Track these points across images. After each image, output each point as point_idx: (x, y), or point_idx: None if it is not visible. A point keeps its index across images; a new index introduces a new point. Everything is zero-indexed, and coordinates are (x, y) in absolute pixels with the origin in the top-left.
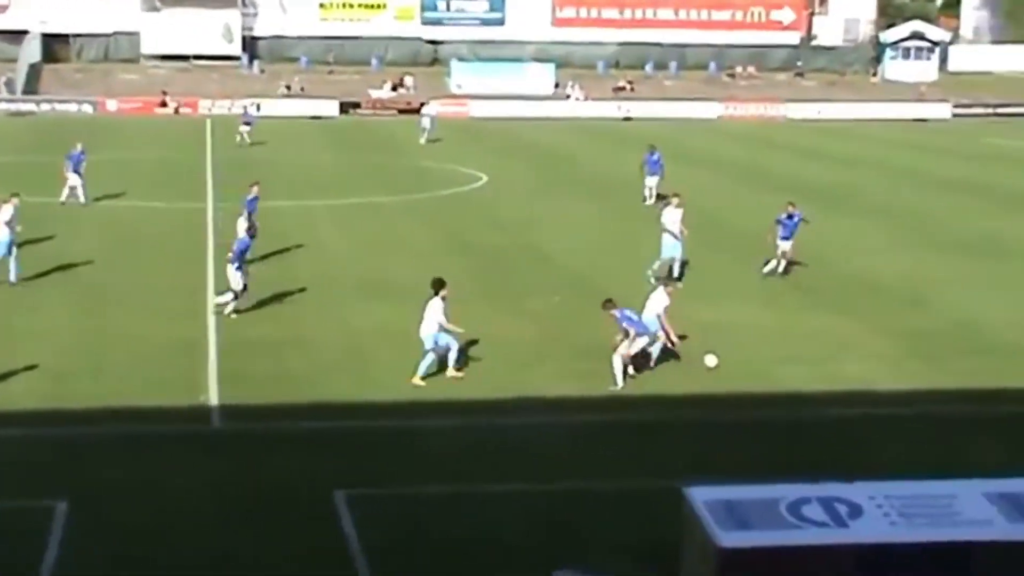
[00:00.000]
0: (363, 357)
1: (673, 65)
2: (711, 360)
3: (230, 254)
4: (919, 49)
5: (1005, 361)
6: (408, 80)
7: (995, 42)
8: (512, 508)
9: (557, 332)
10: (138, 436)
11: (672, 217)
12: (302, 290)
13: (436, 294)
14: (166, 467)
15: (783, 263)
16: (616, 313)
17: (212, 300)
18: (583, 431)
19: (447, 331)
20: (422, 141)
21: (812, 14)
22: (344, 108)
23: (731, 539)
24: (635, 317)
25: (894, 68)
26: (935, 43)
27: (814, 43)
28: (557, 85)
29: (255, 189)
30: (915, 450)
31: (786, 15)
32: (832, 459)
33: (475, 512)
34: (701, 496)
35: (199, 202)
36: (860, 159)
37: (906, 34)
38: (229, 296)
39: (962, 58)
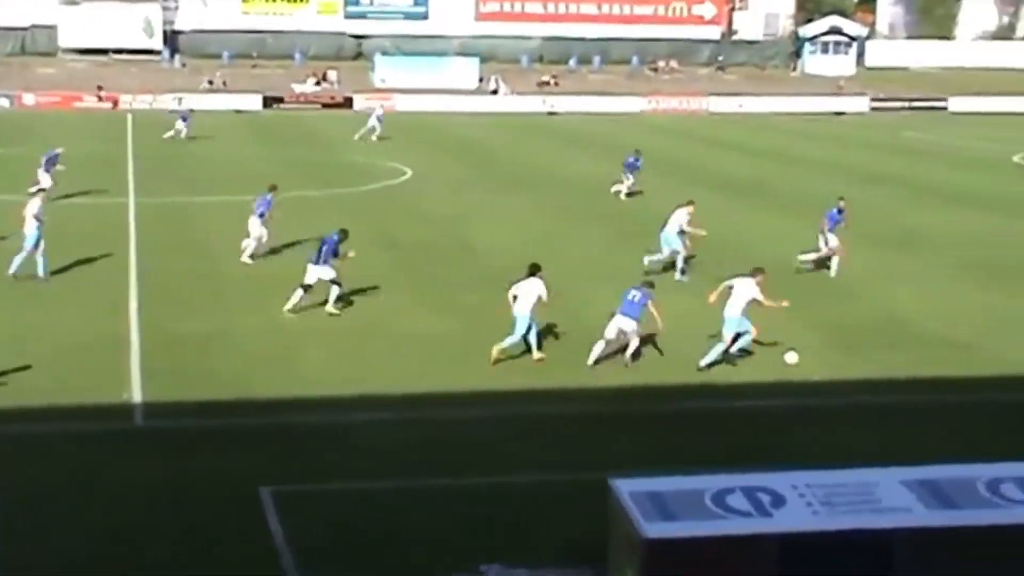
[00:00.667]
0: (290, 353)
1: (596, 60)
2: (792, 357)
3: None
4: (837, 44)
5: (926, 351)
6: (332, 75)
7: (910, 37)
8: (441, 503)
9: (484, 326)
10: (59, 434)
11: (680, 218)
12: (228, 285)
13: (533, 275)
14: (88, 465)
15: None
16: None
17: (328, 310)
18: (512, 425)
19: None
20: (374, 138)
21: (733, 9)
22: (267, 103)
23: (656, 530)
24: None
25: (813, 62)
26: (852, 38)
27: (735, 38)
28: (481, 79)
29: (270, 194)
30: (838, 439)
31: (707, 10)
32: (757, 449)
33: (404, 508)
34: (626, 488)
35: (121, 197)
36: (782, 152)
37: (824, 29)
38: (335, 292)
39: (878, 53)
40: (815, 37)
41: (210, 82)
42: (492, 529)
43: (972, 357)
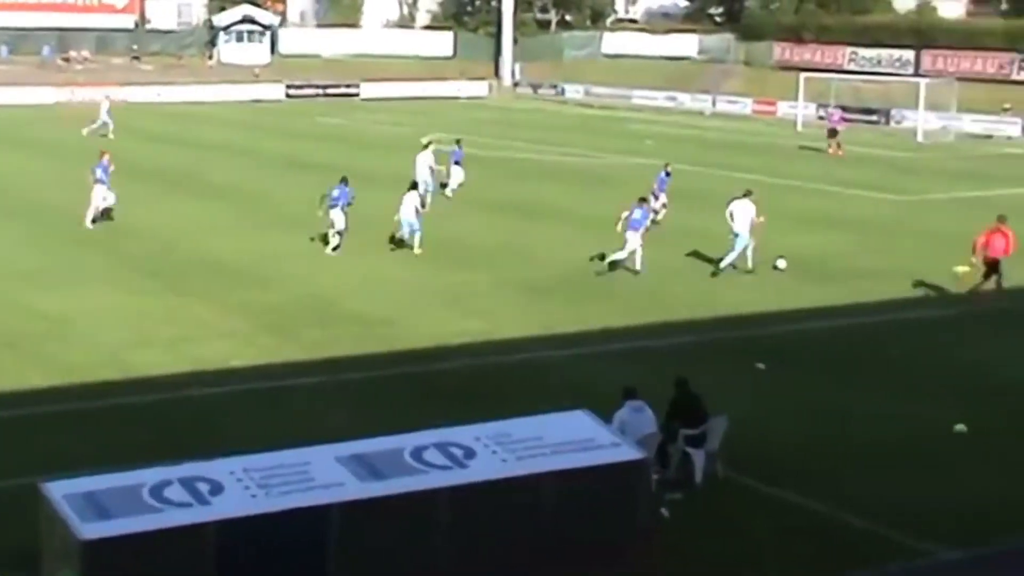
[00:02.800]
0: None
1: (4, 49)
2: (782, 263)
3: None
4: (251, 32)
5: (348, 328)
6: None
7: (320, 26)
8: None
9: None
10: None
11: (744, 209)
12: None
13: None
14: None
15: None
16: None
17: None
18: None
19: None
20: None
21: None
22: None
23: (93, 530)
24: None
25: (229, 51)
26: (266, 27)
27: (149, 27)
28: None
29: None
30: (273, 422)
31: None
32: (195, 439)
33: None
34: (59, 490)
35: None
36: (201, 141)
37: (238, 18)
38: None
39: (291, 41)
40: (229, 26)
41: None
42: None
43: (392, 332)
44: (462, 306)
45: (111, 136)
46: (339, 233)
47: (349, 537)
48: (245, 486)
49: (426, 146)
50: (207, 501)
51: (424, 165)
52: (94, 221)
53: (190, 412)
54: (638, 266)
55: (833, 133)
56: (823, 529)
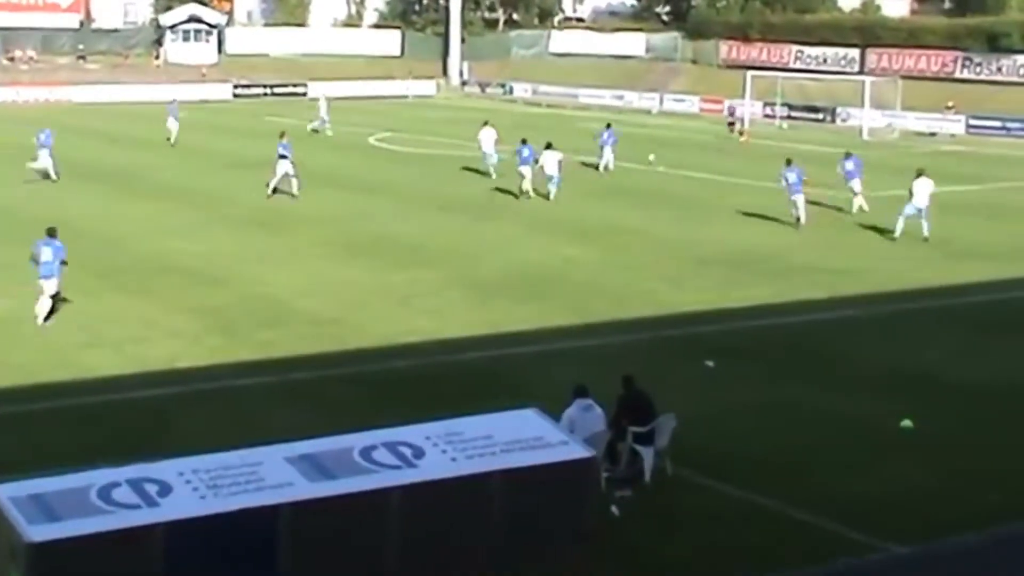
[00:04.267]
0: None
1: None
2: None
3: None
4: (198, 32)
5: (298, 328)
6: None
7: (267, 25)
8: None
9: None
10: None
11: (924, 188)
12: None
13: None
14: None
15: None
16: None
17: None
18: None
19: None
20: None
21: None
22: None
23: (40, 533)
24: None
25: (175, 50)
26: (213, 26)
27: (95, 26)
28: None
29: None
30: (222, 423)
31: None
32: (143, 440)
33: None
34: (6, 492)
35: None
36: (149, 141)
37: (184, 17)
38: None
39: (238, 41)
40: (176, 25)
41: None
42: None
43: (342, 331)
44: (411, 305)
45: (328, 132)
46: None
47: (299, 537)
48: (194, 487)
49: (485, 123)
50: (156, 503)
51: (490, 140)
52: (275, 191)
53: (139, 413)
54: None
55: (732, 125)
56: (772, 525)
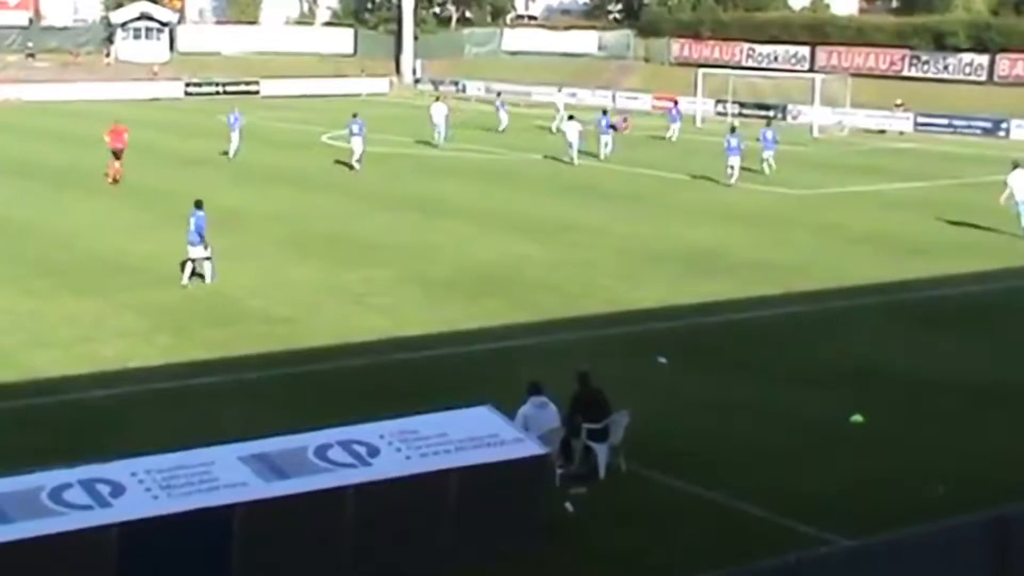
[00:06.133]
0: None
1: None
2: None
3: None
4: (149, 30)
5: (250, 327)
6: None
7: (219, 22)
8: None
9: None
10: None
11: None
12: None
13: None
14: None
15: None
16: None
17: None
18: None
19: None
20: None
21: None
22: None
23: None
24: None
25: (126, 48)
26: (164, 24)
27: (44, 24)
28: None
29: None
30: (174, 423)
31: None
32: (95, 441)
33: None
34: None
35: None
36: (98, 139)
37: (135, 15)
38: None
39: (190, 39)
40: (127, 23)
41: None
42: None
43: (294, 330)
44: (364, 303)
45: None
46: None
47: (253, 537)
48: (147, 487)
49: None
50: (108, 503)
51: (440, 114)
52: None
53: (89, 414)
54: None
55: (621, 123)
56: (724, 519)
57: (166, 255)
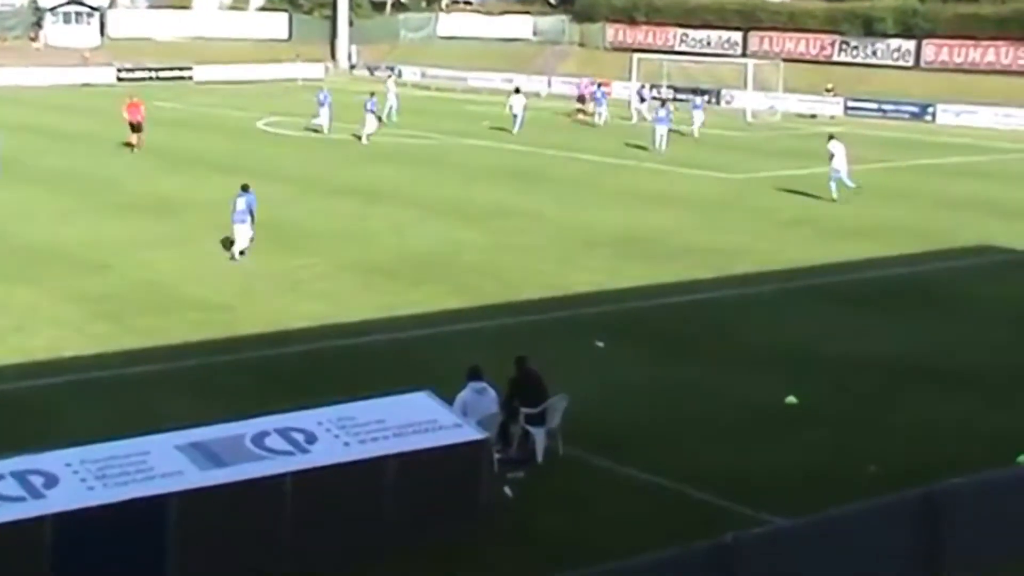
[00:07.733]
0: None
1: None
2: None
3: None
4: (79, 14)
5: (186, 315)
6: None
7: (152, 7)
8: None
9: None
10: None
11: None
12: None
13: None
14: None
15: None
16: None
17: None
18: None
19: None
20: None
21: None
22: None
23: None
24: None
25: (56, 33)
26: (94, 8)
27: None
28: None
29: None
30: (109, 412)
31: None
32: (28, 433)
33: None
34: None
35: None
36: (29, 125)
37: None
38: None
39: (121, 23)
40: (56, 7)
41: None
42: None
43: (231, 317)
44: (302, 290)
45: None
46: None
47: (190, 526)
48: (81, 478)
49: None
50: (41, 494)
51: (520, 105)
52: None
53: (22, 405)
54: None
55: (582, 99)
56: (663, 502)
57: (100, 243)
